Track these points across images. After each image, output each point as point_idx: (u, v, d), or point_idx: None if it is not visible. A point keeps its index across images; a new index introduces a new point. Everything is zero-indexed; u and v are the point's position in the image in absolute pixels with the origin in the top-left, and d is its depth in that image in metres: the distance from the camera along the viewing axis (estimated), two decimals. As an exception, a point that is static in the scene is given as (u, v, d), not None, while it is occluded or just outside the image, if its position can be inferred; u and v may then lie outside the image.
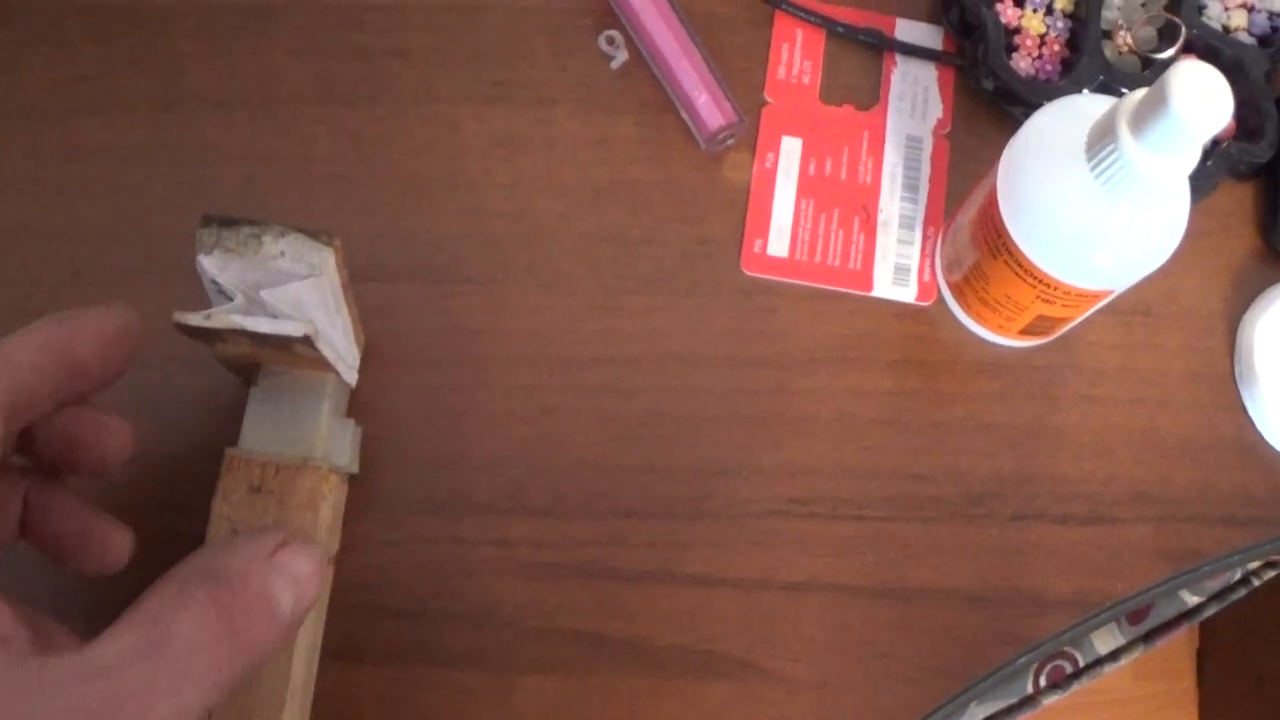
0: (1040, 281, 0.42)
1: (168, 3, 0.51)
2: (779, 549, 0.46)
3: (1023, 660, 0.46)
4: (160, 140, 0.50)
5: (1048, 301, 0.43)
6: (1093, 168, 0.39)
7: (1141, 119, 0.37)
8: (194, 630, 0.31)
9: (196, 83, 0.50)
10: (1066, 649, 0.56)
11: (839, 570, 0.46)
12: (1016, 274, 0.43)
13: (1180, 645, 0.54)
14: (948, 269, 0.47)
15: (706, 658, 0.45)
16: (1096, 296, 0.43)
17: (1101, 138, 0.39)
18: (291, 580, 0.34)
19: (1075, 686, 0.58)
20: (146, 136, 0.50)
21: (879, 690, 0.45)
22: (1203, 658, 0.58)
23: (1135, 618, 0.57)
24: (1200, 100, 0.36)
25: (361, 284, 0.44)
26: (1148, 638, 0.57)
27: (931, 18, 0.52)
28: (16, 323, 0.48)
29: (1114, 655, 0.57)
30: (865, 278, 0.48)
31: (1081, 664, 0.57)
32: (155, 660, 0.30)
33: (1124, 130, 0.38)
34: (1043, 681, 0.56)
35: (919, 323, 0.48)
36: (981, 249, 0.44)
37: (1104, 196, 0.39)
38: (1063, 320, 0.45)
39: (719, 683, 0.45)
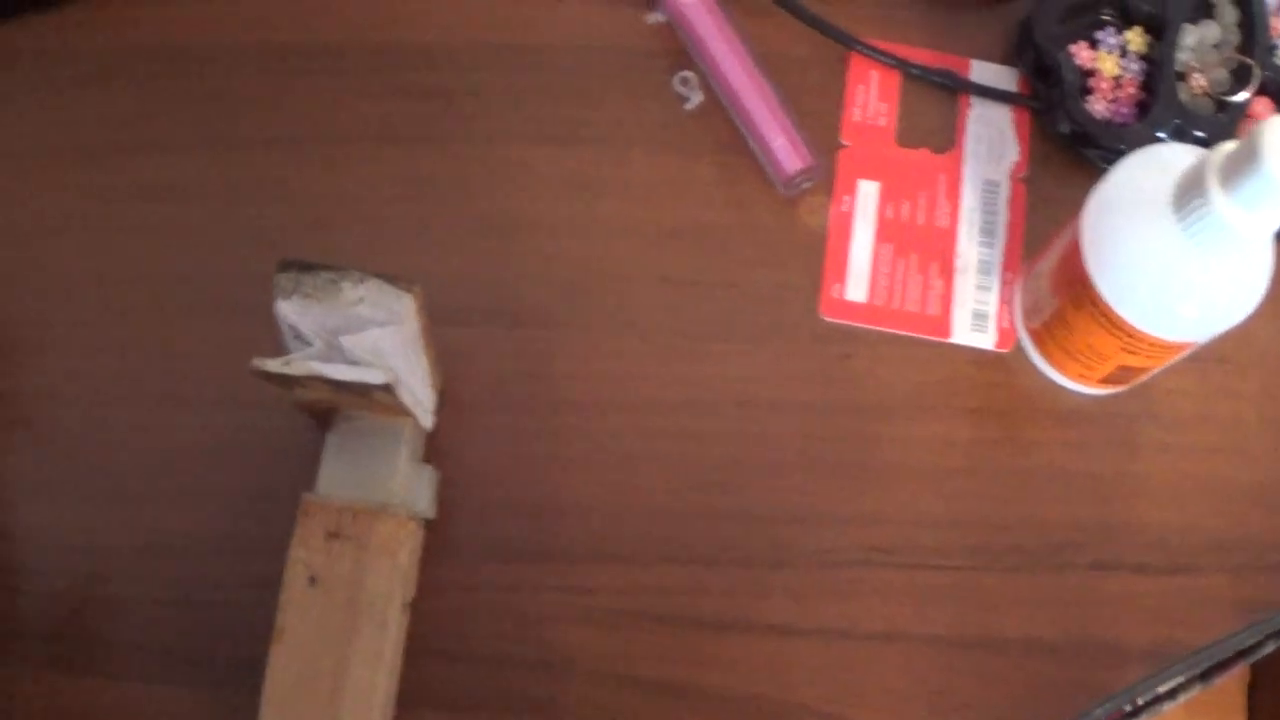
0: (1125, 333, 0.42)
1: (229, 43, 0.51)
2: (860, 598, 0.45)
3: (1098, 712, 0.46)
4: (228, 180, 0.49)
5: (1131, 352, 0.43)
6: (1180, 220, 0.39)
7: (1231, 174, 0.37)
8: None
9: (263, 122, 0.50)
10: (1125, 690, 0.56)
11: (920, 620, 0.45)
12: (1101, 325, 0.43)
13: (1231, 682, 0.54)
14: (1027, 316, 0.47)
15: (785, 708, 0.44)
16: (1180, 348, 0.43)
17: (1189, 191, 0.38)
18: None
19: (1134, 725, 0.58)
20: (213, 176, 0.49)
21: (959, 740, 0.45)
22: (1254, 691, 0.58)
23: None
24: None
25: (436, 327, 0.44)
26: (1205, 675, 0.57)
27: (1006, 60, 0.51)
28: (91, 364, 0.48)
29: (1173, 694, 0.57)
30: (944, 324, 0.48)
31: (1140, 703, 0.57)
32: None
33: (1214, 185, 0.37)
34: (1104, 720, 0.56)
35: (998, 370, 0.48)
36: (1064, 298, 0.44)
37: (1192, 250, 0.39)
38: (1144, 370, 0.45)
39: (799, 733, 0.44)
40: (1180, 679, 0.58)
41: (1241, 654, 0.59)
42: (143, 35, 0.51)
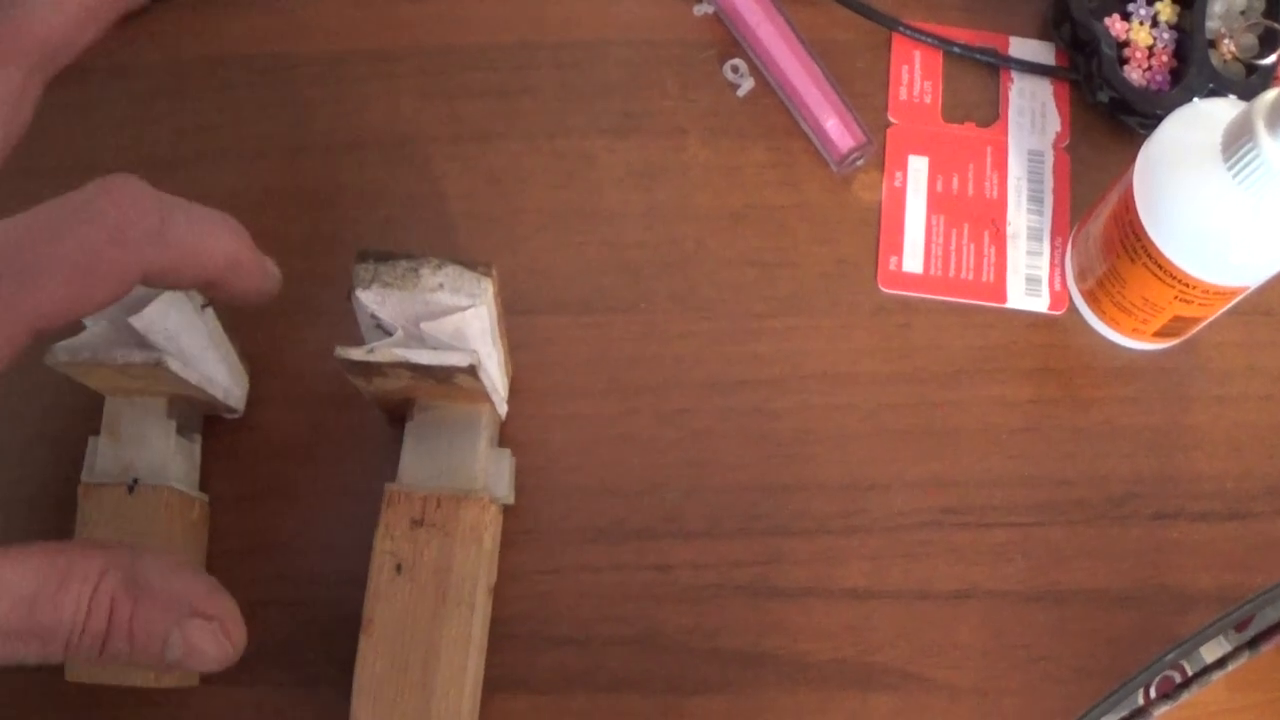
0: (1180, 282, 0.43)
1: (288, 50, 0.52)
2: (933, 559, 0.46)
3: (1170, 657, 0.47)
4: (294, 184, 0.50)
5: (1185, 301, 0.44)
6: (1230, 167, 0.40)
7: (1278, 118, 0.38)
8: None
9: (325, 127, 0.51)
10: (1176, 659, 0.57)
11: (993, 577, 0.46)
12: (1156, 275, 0.44)
13: (1272, 656, 0.56)
14: (1079, 277, 0.49)
15: (868, 670, 0.45)
16: (1234, 293, 0.44)
17: (1238, 138, 0.40)
18: (188, 647, 0.36)
19: (1184, 696, 0.59)
20: (279, 181, 0.50)
21: (1037, 693, 0.46)
22: (1295, 665, 0.59)
23: (1241, 625, 0.58)
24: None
25: (506, 317, 0.45)
26: (1253, 644, 0.58)
27: (1043, 34, 0.53)
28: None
29: (1221, 663, 0.58)
30: (999, 290, 0.49)
31: (1190, 673, 0.58)
32: None
33: (1262, 129, 0.39)
34: (1153, 693, 0.57)
35: (1053, 331, 0.49)
36: (1117, 254, 0.45)
37: (1242, 195, 0.40)
38: (1197, 320, 0.46)
39: (882, 694, 0.45)
40: (1228, 646, 0.59)
41: (1289, 621, 0.60)
42: (207, 47, 0.52)
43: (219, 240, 0.38)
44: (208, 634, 0.37)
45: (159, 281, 0.37)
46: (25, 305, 0.33)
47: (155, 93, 0.52)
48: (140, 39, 0.52)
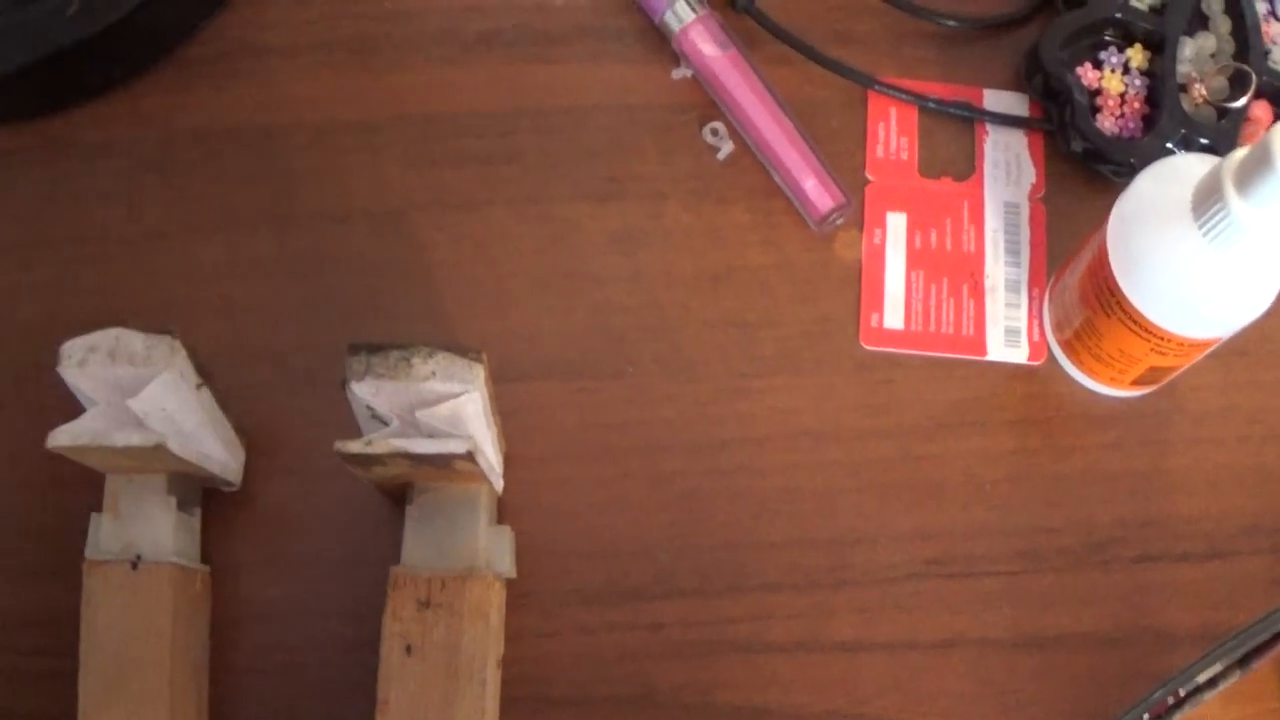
0: (1154, 335, 0.44)
1: (274, 122, 0.53)
2: (921, 609, 0.48)
3: (1157, 695, 0.48)
4: (282, 255, 0.51)
5: (1160, 353, 0.45)
6: (1200, 225, 0.41)
7: (1246, 177, 0.39)
8: None
9: (312, 198, 0.52)
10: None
11: (979, 625, 0.47)
12: (1130, 329, 0.45)
13: (1265, 668, 0.57)
14: (1057, 328, 0.49)
15: (861, 720, 0.47)
16: (1207, 344, 0.45)
17: (1208, 197, 0.41)
18: None
19: (1177, 716, 0.60)
20: (267, 251, 0.51)
21: (1026, 738, 0.47)
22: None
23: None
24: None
25: (496, 386, 0.45)
26: (1243, 662, 0.59)
27: (1016, 86, 0.54)
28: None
29: (1212, 682, 0.59)
30: (979, 343, 0.50)
31: (1182, 694, 0.59)
32: None
33: (1230, 189, 0.40)
34: (1145, 717, 0.58)
35: (1033, 382, 0.50)
36: (1092, 307, 0.46)
37: (1212, 252, 0.41)
38: (1172, 369, 0.47)
39: (875, 744, 0.47)
40: (1219, 667, 0.60)
41: (1277, 637, 0.61)
42: (192, 120, 0.53)
43: None
44: None
45: None
46: None
47: (143, 167, 0.52)
48: (127, 113, 0.53)
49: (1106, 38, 0.53)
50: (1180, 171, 0.43)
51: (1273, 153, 0.38)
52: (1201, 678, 0.60)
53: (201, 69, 0.53)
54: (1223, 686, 0.59)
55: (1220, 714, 0.58)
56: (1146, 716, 0.59)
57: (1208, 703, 0.56)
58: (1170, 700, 0.59)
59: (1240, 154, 0.40)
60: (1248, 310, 0.43)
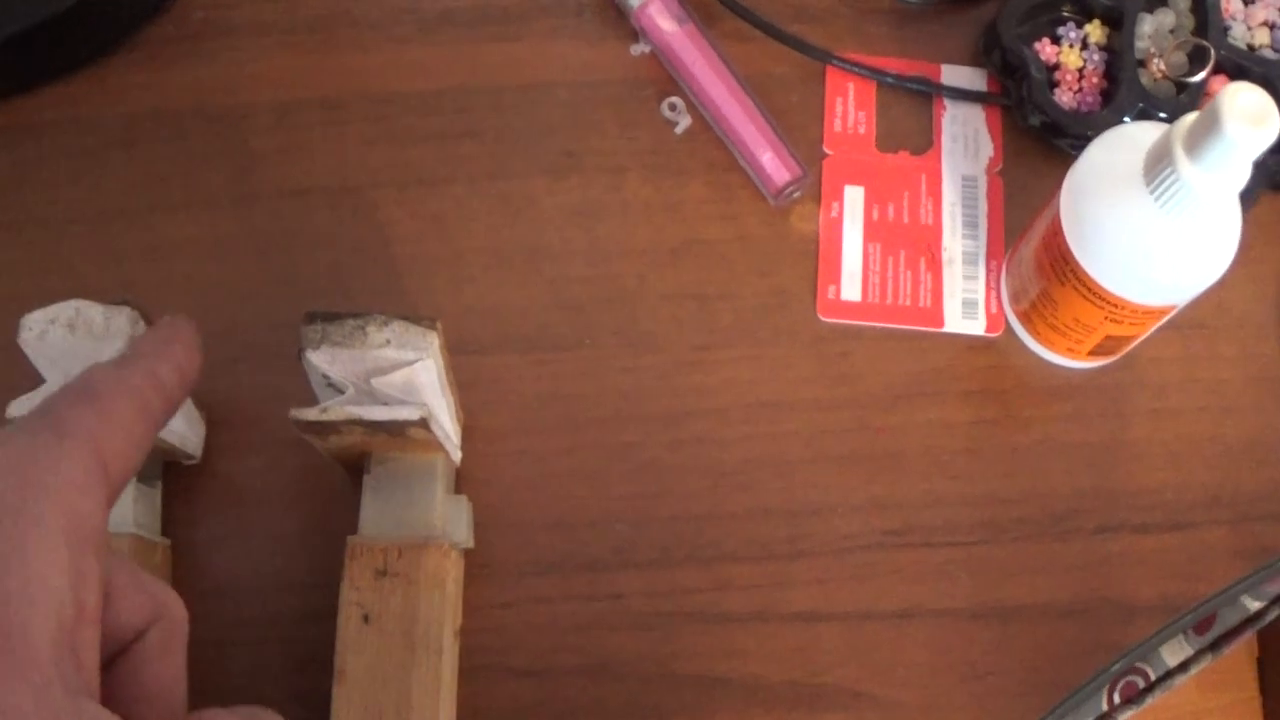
0: (1108, 303, 0.45)
1: (237, 101, 0.53)
2: (879, 580, 0.48)
3: (1116, 667, 0.48)
4: (244, 232, 0.51)
5: (1116, 321, 0.46)
6: (1151, 191, 0.41)
7: (1195, 142, 0.39)
8: None
9: (274, 175, 0.52)
10: (1138, 664, 0.58)
11: (937, 595, 0.48)
12: (1085, 297, 0.45)
13: (1240, 656, 0.57)
14: (1014, 299, 0.50)
15: (819, 690, 0.47)
16: (1162, 312, 0.45)
17: (1158, 162, 0.41)
18: None
19: (1149, 700, 0.60)
20: (230, 229, 0.51)
21: (985, 708, 0.47)
22: (1264, 666, 0.60)
23: (1201, 627, 0.59)
24: (1250, 120, 0.38)
25: (455, 358, 0.46)
26: (1215, 646, 0.59)
27: (974, 61, 0.54)
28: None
29: (1184, 666, 0.59)
30: (936, 314, 0.50)
31: (1153, 678, 0.59)
32: None
33: (1180, 154, 0.40)
34: (1116, 699, 0.58)
35: (990, 353, 0.50)
36: (1048, 277, 0.46)
37: (1164, 217, 0.41)
38: (1129, 339, 0.47)
39: (833, 714, 0.46)
40: (1182, 640, 0.60)
41: (1248, 621, 0.61)
42: (157, 99, 0.53)
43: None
44: None
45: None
46: None
47: (107, 145, 0.53)
48: (91, 93, 0.53)
49: (1065, 14, 0.53)
50: (1132, 139, 0.43)
51: (1222, 116, 0.38)
52: (1172, 661, 0.60)
53: (165, 49, 0.54)
54: (1194, 670, 0.59)
55: (1198, 701, 0.58)
56: (1119, 699, 0.59)
57: (1186, 691, 0.57)
58: (1142, 684, 0.59)
59: (1190, 118, 0.40)
60: (1201, 276, 0.43)
